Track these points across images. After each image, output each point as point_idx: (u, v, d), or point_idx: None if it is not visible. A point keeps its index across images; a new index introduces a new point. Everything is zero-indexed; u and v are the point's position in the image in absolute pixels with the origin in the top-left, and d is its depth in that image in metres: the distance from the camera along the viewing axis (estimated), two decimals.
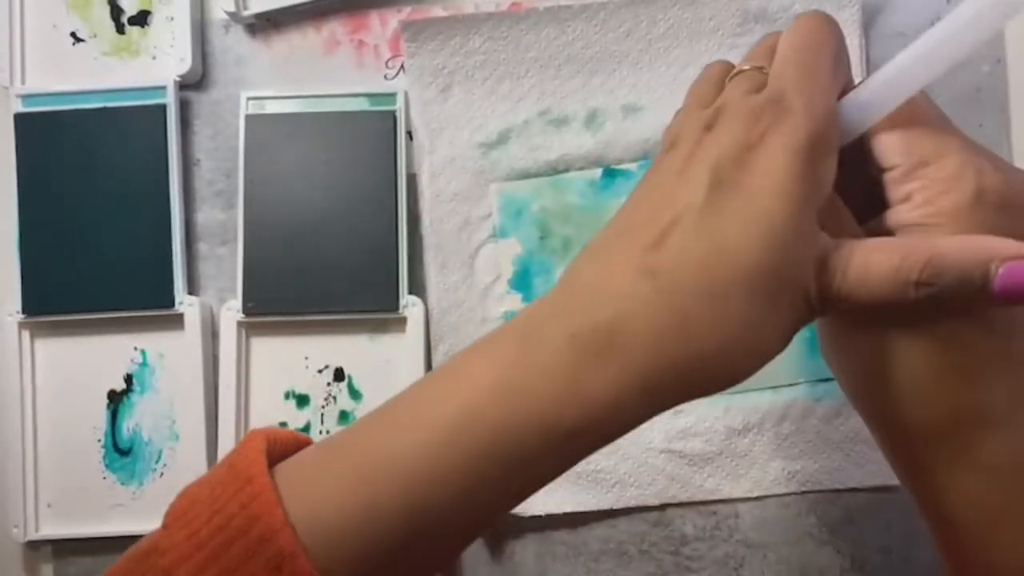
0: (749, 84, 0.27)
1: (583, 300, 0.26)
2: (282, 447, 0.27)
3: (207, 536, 0.24)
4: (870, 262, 0.25)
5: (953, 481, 0.28)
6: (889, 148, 0.28)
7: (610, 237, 0.27)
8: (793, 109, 0.25)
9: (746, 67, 0.28)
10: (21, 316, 0.44)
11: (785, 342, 0.26)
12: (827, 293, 0.25)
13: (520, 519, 0.43)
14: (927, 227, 0.26)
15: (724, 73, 0.30)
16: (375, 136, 0.43)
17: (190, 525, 0.24)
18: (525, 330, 0.26)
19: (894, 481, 0.30)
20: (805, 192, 0.25)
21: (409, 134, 0.44)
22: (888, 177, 0.28)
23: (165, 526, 0.25)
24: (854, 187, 0.29)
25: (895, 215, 0.27)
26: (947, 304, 0.26)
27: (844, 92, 0.28)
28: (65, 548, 0.45)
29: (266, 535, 0.24)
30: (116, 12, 0.45)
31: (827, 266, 0.25)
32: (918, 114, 0.28)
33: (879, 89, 0.27)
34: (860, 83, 0.29)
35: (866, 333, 0.28)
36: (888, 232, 0.27)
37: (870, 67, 0.43)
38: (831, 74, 0.27)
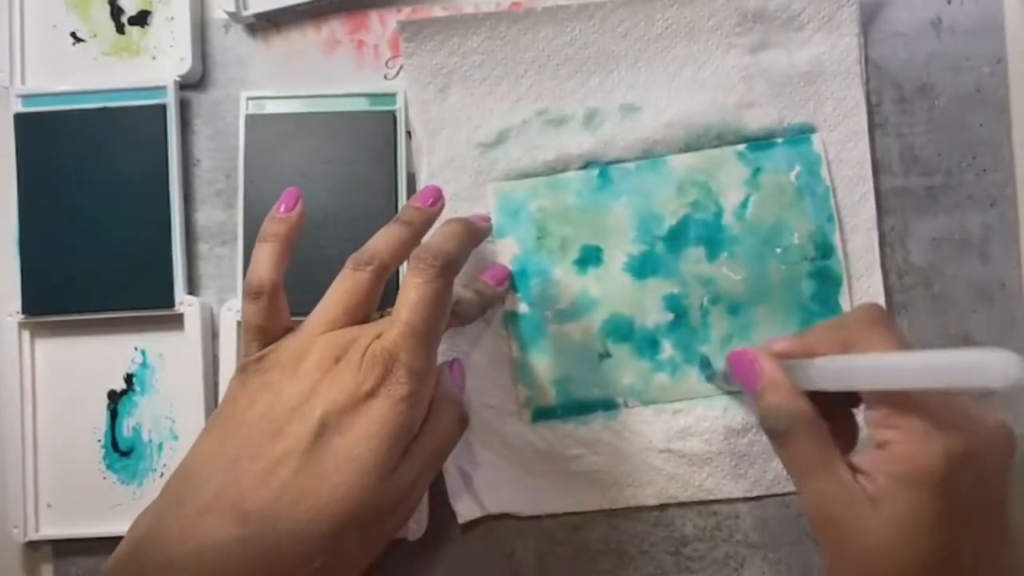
0: (381, 326, 0.33)
1: (166, 547, 0.30)
2: None
3: None
4: None
5: None
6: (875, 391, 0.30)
7: (218, 469, 0.31)
8: (399, 367, 0.31)
9: (385, 312, 0.34)
10: (21, 316, 0.44)
11: (373, 558, 0.33)
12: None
13: (520, 519, 0.43)
14: (900, 483, 0.28)
15: (376, 287, 0.35)
16: (375, 136, 0.43)
17: None
18: None
19: None
20: (395, 440, 0.31)
21: (409, 134, 0.44)
22: (869, 415, 0.30)
23: None
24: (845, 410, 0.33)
25: (875, 460, 0.30)
26: None
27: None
28: (65, 548, 0.45)
29: None
30: (116, 12, 0.45)
31: None
32: None
33: (868, 371, 0.29)
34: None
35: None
36: (865, 472, 0.30)
37: (869, 67, 0.43)
38: (437, 328, 0.33)
